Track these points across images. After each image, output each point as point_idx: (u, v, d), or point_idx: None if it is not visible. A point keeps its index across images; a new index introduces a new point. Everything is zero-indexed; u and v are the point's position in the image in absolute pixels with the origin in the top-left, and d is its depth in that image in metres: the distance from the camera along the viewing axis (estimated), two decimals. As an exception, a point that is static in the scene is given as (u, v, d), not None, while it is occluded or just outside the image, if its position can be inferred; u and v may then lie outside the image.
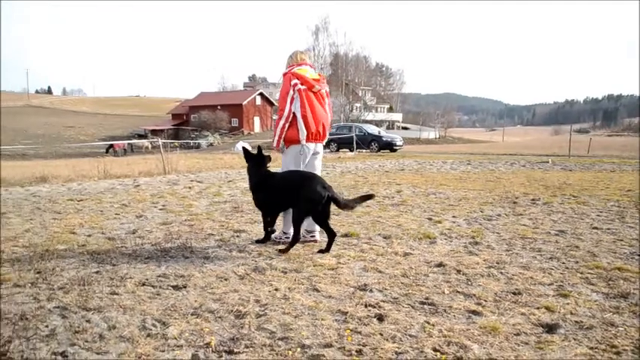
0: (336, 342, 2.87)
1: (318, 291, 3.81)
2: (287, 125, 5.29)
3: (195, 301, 3.57)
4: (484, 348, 2.81)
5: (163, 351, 2.75)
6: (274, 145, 5.44)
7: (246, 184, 7.52)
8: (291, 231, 5.12)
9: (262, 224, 5.46)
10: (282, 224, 5.47)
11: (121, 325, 3.10)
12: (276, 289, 3.83)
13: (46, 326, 3.10)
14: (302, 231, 5.09)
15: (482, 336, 2.98)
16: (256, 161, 5.37)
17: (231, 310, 3.37)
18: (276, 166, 6.18)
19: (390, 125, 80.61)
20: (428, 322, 3.18)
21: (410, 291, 3.82)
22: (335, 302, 3.57)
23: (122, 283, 3.95)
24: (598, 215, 7.16)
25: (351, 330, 3.04)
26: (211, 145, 58.48)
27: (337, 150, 30.68)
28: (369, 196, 5.38)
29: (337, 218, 6.77)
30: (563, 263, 4.63)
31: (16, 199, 9.10)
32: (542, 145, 42.67)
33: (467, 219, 6.90)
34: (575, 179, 12.51)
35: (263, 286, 3.93)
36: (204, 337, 2.94)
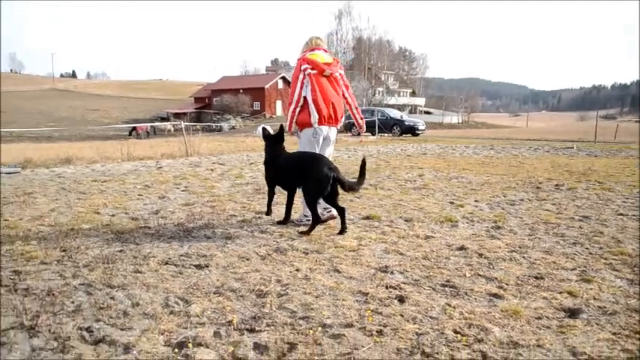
0: (357, 322, 2.88)
1: (339, 272, 3.82)
2: (297, 109, 5.38)
3: (217, 280, 3.61)
4: (505, 331, 2.80)
5: (186, 328, 2.79)
6: (287, 129, 5.50)
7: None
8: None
9: (285, 206, 5.51)
10: (303, 207, 5.49)
11: (145, 303, 3.14)
12: (297, 270, 3.85)
13: (72, 302, 3.16)
14: (319, 211, 5.11)
15: (503, 319, 2.96)
16: (271, 140, 5.52)
17: (253, 290, 3.39)
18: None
19: (413, 110, 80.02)
20: (449, 305, 3.17)
21: (431, 273, 3.81)
22: (356, 283, 3.58)
23: (145, 262, 4.01)
24: (624, 202, 7.04)
25: (371, 311, 3.04)
26: (233, 128, 58.64)
27: (359, 134, 30.53)
28: (363, 164, 5.31)
29: (359, 201, 6.79)
30: (587, 249, 4.58)
31: (42, 179, 9.25)
32: (567, 131, 42.01)
33: (489, 203, 6.84)
34: (601, 165, 12.30)
35: (284, 266, 3.96)
36: (226, 315, 2.97)
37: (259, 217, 5.77)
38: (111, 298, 3.22)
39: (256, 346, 2.59)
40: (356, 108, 5.74)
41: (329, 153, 5.61)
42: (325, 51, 5.59)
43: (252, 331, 2.77)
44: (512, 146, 20.47)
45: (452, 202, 6.85)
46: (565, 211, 6.33)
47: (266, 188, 5.60)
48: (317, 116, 5.30)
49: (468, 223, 5.63)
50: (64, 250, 4.32)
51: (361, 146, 20.01)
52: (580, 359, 2.52)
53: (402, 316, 2.98)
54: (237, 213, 6.04)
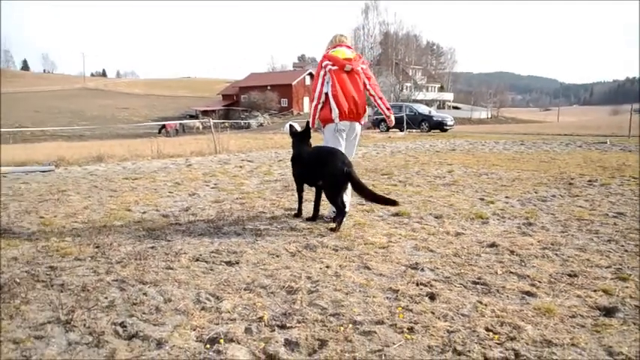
0: (388, 319, 2.87)
1: (369, 269, 3.81)
2: (319, 105, 5.43)
3: (248, 276, 3.63)
4: (538, 329, 2.76)
5: (217, 324, 2.81)
6: (311, 125, 5.56)
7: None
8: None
9: (313, 203, 5.52)
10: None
11: (176, 299, 3.18)
12: (327, 267, 3.85)
13: (106, 298, 3.21)
14: (340, 203, 5.10)
15: (536, 317, 2.92)
16: (298, 137, 5.64)
17: (283, 286, 3.41)
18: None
19: (441, 105, 79.37)
20: (480, 302, 3.14)
21: (462, 270, 3.78)
22: (386, 280, 3.57)
23: (177, 259, 4.06)
24: (660, 197, 6.87)
25: (402, 308, 3.03)
26: (261, 125, 58.98)
27: (387, 130, 30.38)
28: (383, 199, 5.19)
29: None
30: (622, 246, 4.48)
31: (75, 177, 9.44)
32: (600, 125, 41.08)
33: (520, 200, 6.75)
34: (635, 160, 12.00)
35: (314, 263, 3.97)
36: (256, 311, 2.98)
37: (288, 214, 5.79)
38: (143, 294, 3.27)
39: (287, 343, 2.60)
40: (380, 98, 5.65)
41: (351, 147, 5.61)
42: (348, 47, 5.61)
43: (282, 327, 2.78)
44: (543, 141, 20.13)
45: (482, 199, 6.78)
46: (599, 207, 6.20)
47: (294, 185, 5.63)
48: (337, 111, 5.32)
49: (498, 219, 5.56)
50: (97, 247, 4.40)
51: (390, 142, 19.90)
52: (617, 359, 2.47)
53: (432, 313, 2.97)
54: (267, 210, 6.07)
